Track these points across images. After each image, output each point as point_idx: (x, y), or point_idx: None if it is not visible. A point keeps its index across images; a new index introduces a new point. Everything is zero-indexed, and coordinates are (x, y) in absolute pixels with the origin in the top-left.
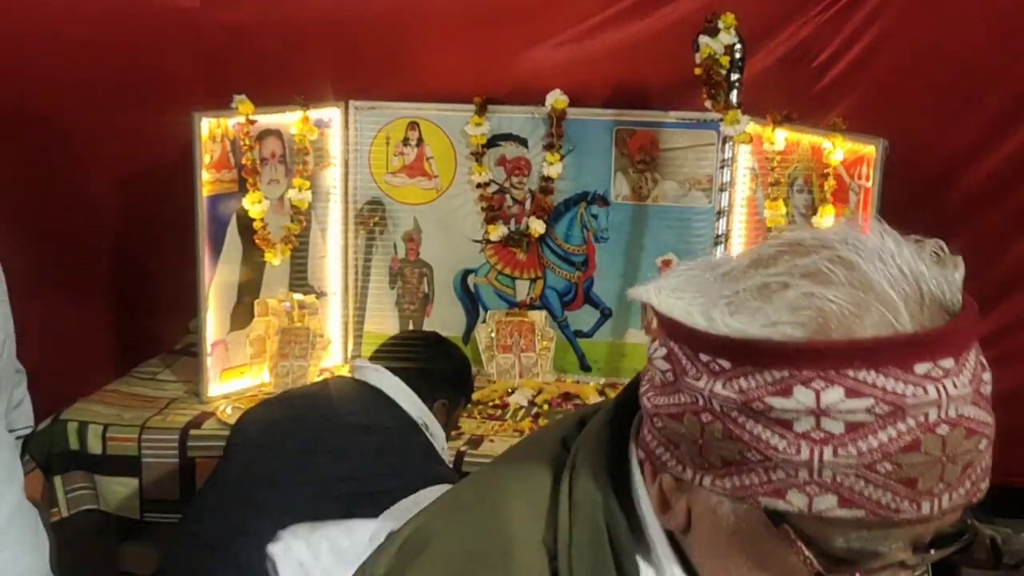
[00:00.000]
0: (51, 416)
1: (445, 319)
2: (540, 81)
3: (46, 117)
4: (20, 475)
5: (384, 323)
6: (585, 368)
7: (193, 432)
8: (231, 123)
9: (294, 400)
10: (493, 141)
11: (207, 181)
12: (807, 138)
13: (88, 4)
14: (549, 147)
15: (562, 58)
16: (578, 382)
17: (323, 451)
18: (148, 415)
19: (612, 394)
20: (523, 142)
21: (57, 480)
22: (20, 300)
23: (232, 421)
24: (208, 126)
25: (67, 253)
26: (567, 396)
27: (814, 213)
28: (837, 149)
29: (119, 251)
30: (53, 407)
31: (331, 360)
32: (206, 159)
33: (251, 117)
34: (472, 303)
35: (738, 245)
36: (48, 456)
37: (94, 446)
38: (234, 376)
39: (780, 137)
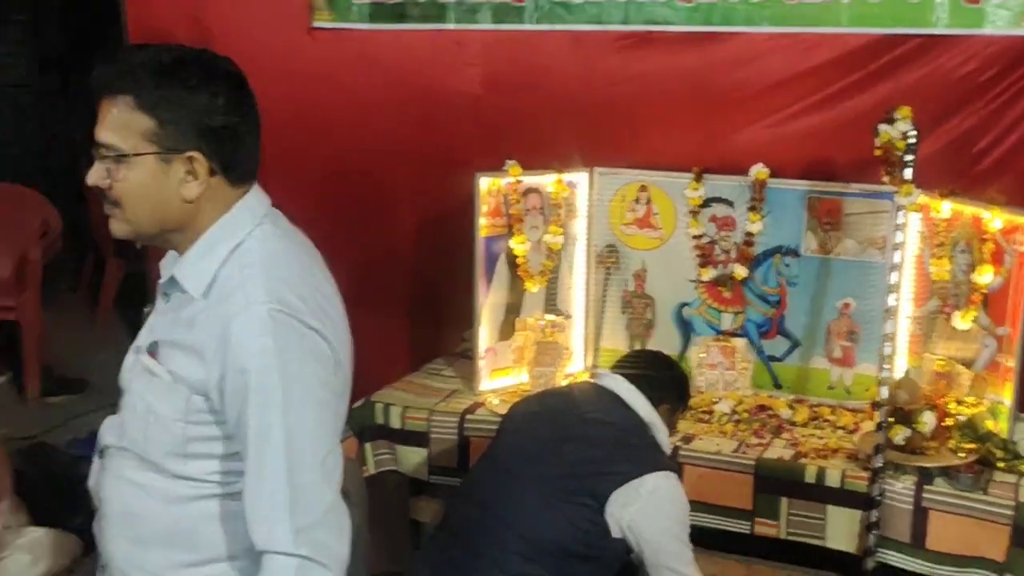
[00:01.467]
0: (364, 398)
1: (664, 341)
2: (746, 156)
3: (364, 173)
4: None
5: (616, 341)
6: (777, 386)
7: (468, 417)
8: (503, 182)
9: (549, 398)
10: (707, 202)
11: (483, 225)
12: (969, 209)
13: (397, 89)
14: (752, 209)
15: (765, 138)
16: (771, 396)
17: (571, 439)
18: (435, 401)
19: (800, 408)
20: (731, 204)
21: (367, 446)
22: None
23: (499, 411)
24: (486, 184)
25: (378, 277)
26: (762, 407)
27: (973, 271)
28: (995, 218)
29: (417, 276)
30: (366, 391)
31: (574, 368)
32: (483, 208)
33: (519, 178)
34: (686, 329)
35: (907, 295)
36: (361, 427)
37: (395, 422)
38: (500, 375)
39: (946, 207)
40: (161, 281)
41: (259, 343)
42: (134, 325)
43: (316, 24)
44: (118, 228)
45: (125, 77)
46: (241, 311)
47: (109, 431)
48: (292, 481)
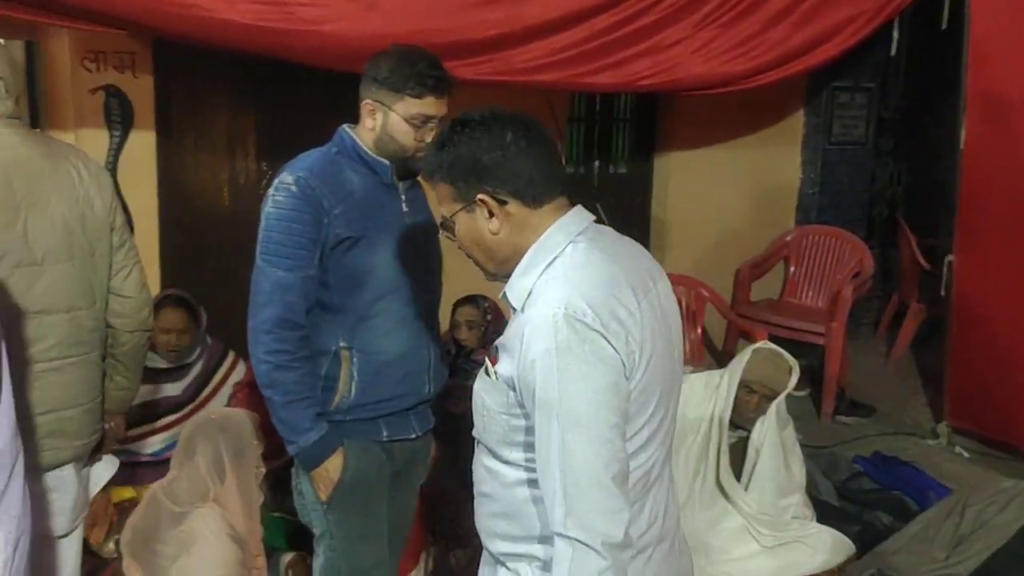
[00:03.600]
0: None
1: None
2: None
3: None
4: None
5: None
6: None
7: None
8: None
9: None
10: None
11: None
12: None
13: None
14: None
15: None
16: None
17: None
18: None
19: None
20: None
21: None
22: None
23: None
24: None
25: None
26: None
27: None
28: None
29: None
30: None
31: None
32: None
33: None
34: None
35: None
36: None
37: None
38: None
39: None
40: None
41: (544, 344)
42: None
43: None
44: (485, 274)
45: (429, 161)
46: (537, 315)
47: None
48: (564, 467)
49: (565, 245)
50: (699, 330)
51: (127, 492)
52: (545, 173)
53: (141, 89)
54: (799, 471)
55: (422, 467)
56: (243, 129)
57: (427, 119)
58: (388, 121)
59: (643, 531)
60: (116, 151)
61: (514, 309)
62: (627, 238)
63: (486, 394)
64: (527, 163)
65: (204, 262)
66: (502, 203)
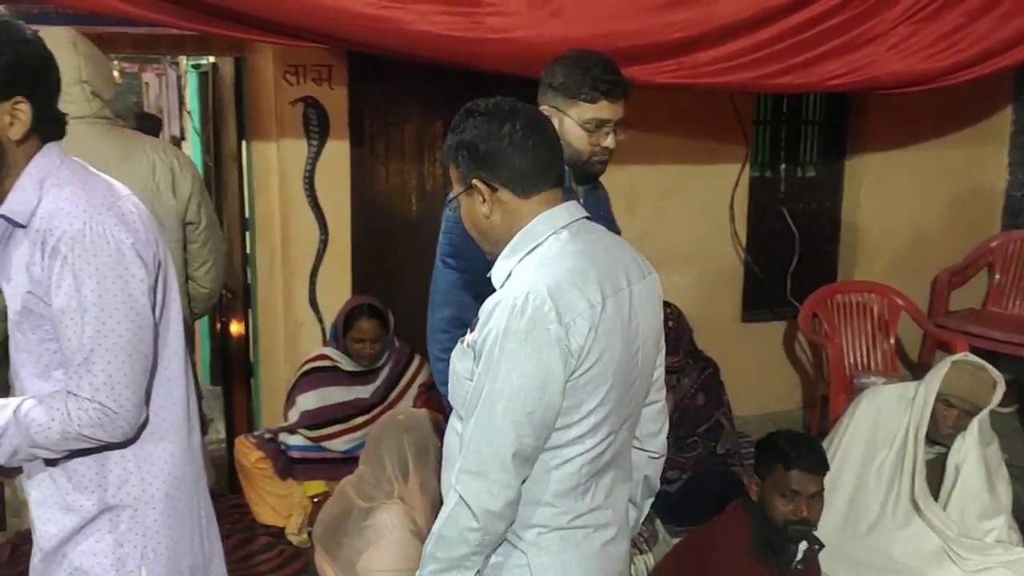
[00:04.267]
0: None
1: None
2: None
3: None
4: None
5: None
6: None
7: None
8: None
9: None
10: None
11: None
12: None
13: None
14: None
15: None
16: None
17: None
18: None
19: None
20: None
21: None
22: None
23: None
24: None
25: None
26: None
27: None
28: None
29: None
30: None
31: None
32: None
33: None
34: None
35: None
36: None
37: None
38: None
39: None
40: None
41: (501, 322)
42: None
43: None
44: (485, 255)
45: (445, 143)
46: (505, 295)
47: None
48: (475, 431)
49: (547, 236)
50: (892, 340)
51: (320, 486)
52: (537, 166)
53: (337, 100)
54: (1004, 492)
55: None
56: (431, 137)
57: (601, 123)
58: (563, 126)
59: (582, 512)
60: (313, 159)
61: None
62: (617, 238)
63: (458, 360)
64: (520, 155)
65: (392, 265)
66: (494, 190)
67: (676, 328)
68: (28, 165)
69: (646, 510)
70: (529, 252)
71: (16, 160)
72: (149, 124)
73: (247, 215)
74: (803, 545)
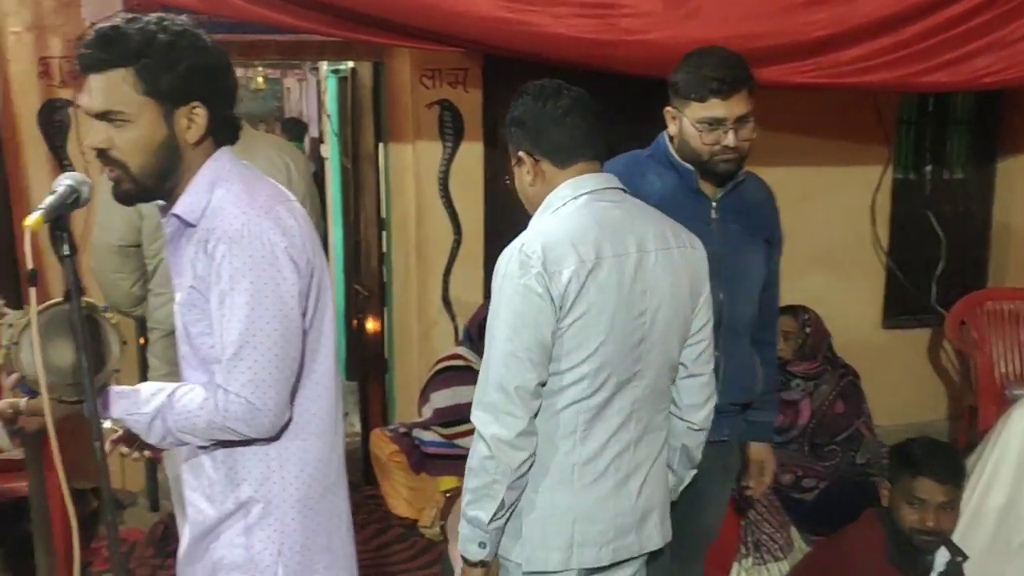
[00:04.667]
0: None
1: None
2: None
3: None
4: None
5: None
6: None
7: None
8: None
9: None
10: None
11: None
12: None
13: None
14: None
15: None
16: None
17: None
18: None
19: None
20: None
21: None
22: None
23: None
24: None
25: None
26: None
27: None
28: None
29: None
30: None
31: None
32: None
33: None
34: None
35: None
36: None
37: None
38: None
39: None
40: None
41: (502, 269)
42: None
43: None
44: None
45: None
46: (510, 247)
47: None
48: (486, 369)
49: (568, 200)
50: None
51: (453, 482)
52: (575, 141)
53: (471, 103)
54: None
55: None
56: None
57: (716, 122)
58: (682, 126)
59: (584, 460)
60: (448, 161)
61: None
62: (649, 210)
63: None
64: (560, 131)
65: None
66: (536, 161)
67: (813, 333)
68: (202, 167)
69: (687, 479)
70: (553, 212)
71: (191, 162)
72: (295, 129)
73: (383, 215)
74: (943, 555)
